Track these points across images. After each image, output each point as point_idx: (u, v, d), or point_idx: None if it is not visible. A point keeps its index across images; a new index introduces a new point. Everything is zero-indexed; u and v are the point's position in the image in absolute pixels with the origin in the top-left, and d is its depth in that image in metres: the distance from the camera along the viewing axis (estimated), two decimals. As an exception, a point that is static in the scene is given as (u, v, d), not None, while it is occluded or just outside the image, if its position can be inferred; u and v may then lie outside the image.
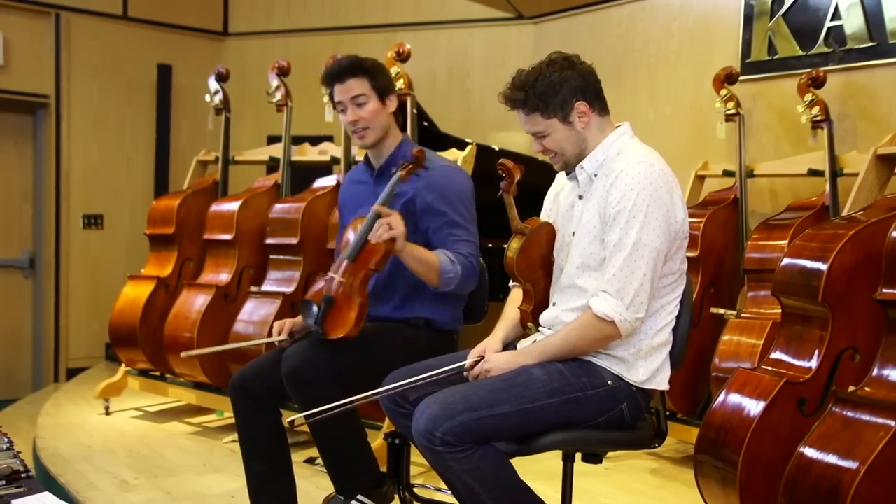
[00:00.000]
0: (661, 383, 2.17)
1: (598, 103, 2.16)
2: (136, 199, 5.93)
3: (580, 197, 2.18)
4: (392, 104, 2.65)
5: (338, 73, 2.61)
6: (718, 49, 4.33)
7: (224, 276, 4.17)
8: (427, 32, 5.65)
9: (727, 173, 3.96)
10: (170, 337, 4.09)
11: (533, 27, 5.31)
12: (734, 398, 2.37)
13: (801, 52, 4.00)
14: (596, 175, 2.14)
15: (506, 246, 2.23)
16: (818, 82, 3.63)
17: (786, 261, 2.45)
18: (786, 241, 3.26)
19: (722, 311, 3.53)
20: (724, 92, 3.92)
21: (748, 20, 4.20)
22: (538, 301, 2.25)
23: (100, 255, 5.82)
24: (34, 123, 5.78)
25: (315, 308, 2.49)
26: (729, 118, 3.92)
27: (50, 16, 5.60)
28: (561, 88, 2.09)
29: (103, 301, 5.28)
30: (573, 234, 2.17)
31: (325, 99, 4.09)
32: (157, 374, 4.39)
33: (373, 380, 2.29)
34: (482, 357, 2.16)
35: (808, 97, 3.62)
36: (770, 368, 2.41)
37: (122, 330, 4.36)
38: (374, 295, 2.60)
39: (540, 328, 2.24)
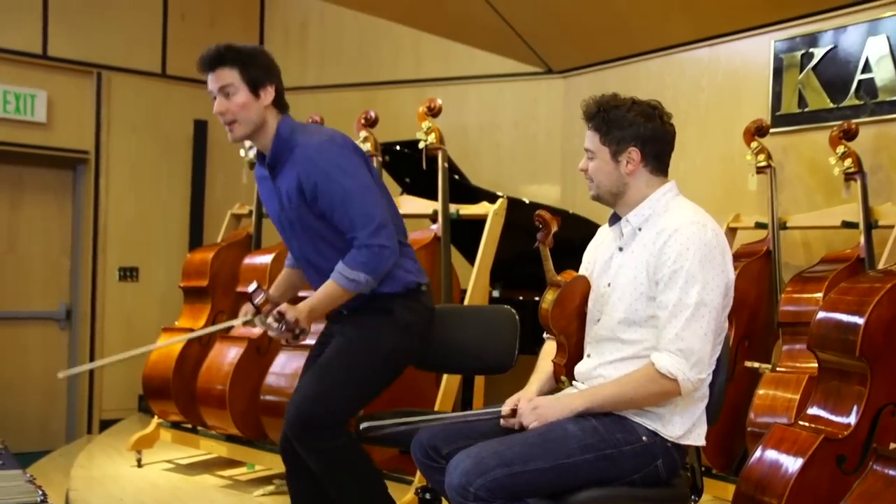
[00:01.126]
0: (698, 439, 2.15)
1: (655, 162, 2.17)
2: (171, 252, 6.02)
3: (620, 249, 2.19)
4: (268, 95, 2.51)
5: (208, 61, 2.51)
6: (748, 102, 4.35)
7: (256, 329, 4.19)
8: (457, 87, 5.73)
9: (759, 225, 3.94)
10: (202, 389, 4.11)
11: (563, 81, 5.37)
12: (771, 454, 2.32)
13: (831, 105, 4.00)
14: (640, 229, 2.15)
15: (539, 298, 2.24)
16: (850, 134, 3.63)
17: (821, 314, 2.43)
18: (821, 294, 3.22)
19: (756, 364, 3.48)
20: (754, 144, 3.92)
21: (777, 73, 4.21)
22: (572, 354, 2.24)
23: (135, 307, 5.90)
24: (74, 178, 5.92)
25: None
26: (760, 170, 3.91)
27: (92, 75, 5.76)
28: (628, 127, 2.13)
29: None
30: (608, 284, 2.17)
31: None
32: (190, 426, 4.41)
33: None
34: (515, 407, 2.14)
35: (841, 149, 3.60)
36: (808, 424, 2.37)
37: (156, 382, 4.39)
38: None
39: (574, 382, 2.23)
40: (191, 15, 6.12)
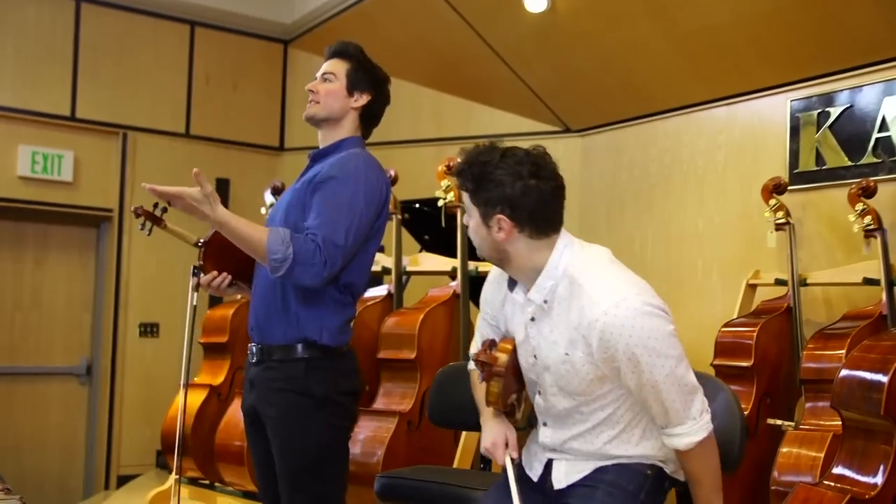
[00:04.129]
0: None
1: (531, 226, 1.88)
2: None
3: (532, 319, 1.97)
4: (359, 101, 2.48)
5: (330, 52, 2.54)
6: (765, 160, 4.37)
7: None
8: (476, 146, 5.79)
9: (779, 282, 3.93)
10: (220, 445, 4.11)
11: (580, 140, 5.43)
12: (796, 514, 2.29)
13: (849, 163, 4.02)
14: (546, 301, 1.92)
15: (486, 389, 2.08)
16: (869, 192, 3.63)
17: (844, 372, 2.41)
18: (843, 351, 3.19)
19: (779, 422, 3.44)
20: (773, 202, 3.93)
21: (794, 131, 4.24)
22: (519, 404, 2.17)
23: (154, 363, 5.92)
24: (98, 236, 6.01)
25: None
26: (779, 227, 3.91)
27: (118, 135, 5.89)
28: (494, 188, 1.86)
29: (156, 408, 5.34)
30: (534, 356, 1.98)
31: (378, 210, 4.20)
32: (207, 482, 4.39)
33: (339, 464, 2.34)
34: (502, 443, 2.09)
35: (860, 206, 3.61)
36: (833, 484, 2.34)
37: (174, 437, 4.38)
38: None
39: (548, 453, 2.08)
40: (215, 78, 6.27)
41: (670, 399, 1.87)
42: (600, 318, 1.82)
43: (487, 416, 2.16)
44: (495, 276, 2.10)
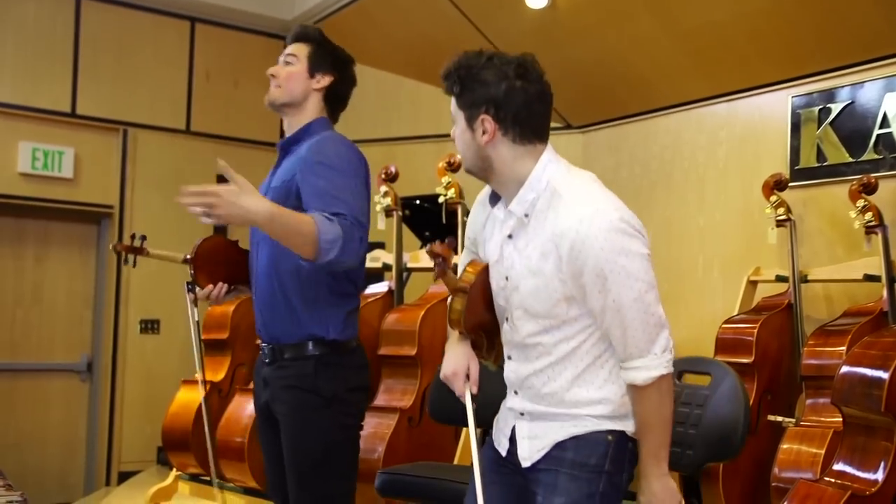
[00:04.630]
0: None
1: (517, 129, 1.84)
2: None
3: (510, 236, 1.90)
4: (320, 82, 2.46)
5: (292, 36, 2.52)
6: (766, 156, 4.37)
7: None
8: (477, 142, 5.79)
9: (780, 279, 3.93)
10: (221, 442, 4.11)
11: (581, 136, 5.42)
12: (797, 511, 2.29)
13: (850, 159, 4.02)
14: (527, 215, 1.86)
15: (448, 305, 1.96)
16: (870, 188, 3.63)
17: (845, 369, 2.41)
18: (844, 348, 3.19)
19: (780, 418, 3.44)
20: (773, 198, 3.93)
21: (795, 128, 4.24)
22: (491, 343, 2.02)
23: (155, 360, 5.92)
24: (98, 233, 6.01)
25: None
26: (780, 224, 3.91)
27: (118, 132, 5.88)
28: (479, 88, 1.83)
29: (157, 405, 5.34)
30: (506, 279, 1.90)
31: (378, 207, 4.21)
32: (208, 478, 4.39)
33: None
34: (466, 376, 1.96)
35: (861, 203, 3.61)
36: (833, 480, 2.34)
37: (175, 434, 4.39)
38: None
39: (512, 391, 1.98)
40: (215, 74, 6.26)
41: (633, 327, 1.78)
42: (573, 227, 1.77)
43: (452, 342, 2.04)
44: (482, 197, 2.05)
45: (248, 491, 4.13)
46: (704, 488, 3.53)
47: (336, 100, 2.53)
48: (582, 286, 1.79)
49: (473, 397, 1.98)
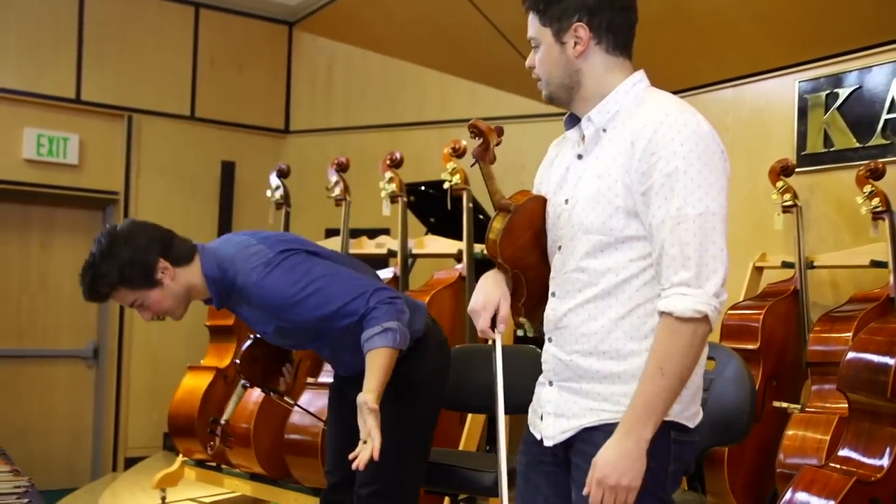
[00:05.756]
0: (697, 415, 1.73)
1: (610, 37, 1.72)
2: (198, 292, 6.06)
3: (579, 157, 1.76)
4: (165, 272, 2.33)
5: (92, 298, 2.38)
6: (773, 141, 4.35)
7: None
8: (482, 128, 5.77)
9: (786, 265, 3.92)
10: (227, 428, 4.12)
11: (586, 122, 5.39)
12: (802, 497, 2.30)
13: (857, 144, 3.99)
14: (605, 130, 1.72)
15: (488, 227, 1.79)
16: (877, 174, 3.61)
17: (851, 355, 2.41)
18: (850, 334, 3.18)
19: (785, 404, 3.44)
20: (780, 184, 3.91)
21: (802, 113, 4.21)
22: (532, 292, 1.81)
23: (161, 346, 5.93)
24: (104, 219, 6.01)
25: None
26: (786, 210, 3.90)
27: (123, 118, 5.88)
28: None
29: (163, 391, 5.36)
30: (566, 201, 1.75)
31: (383, 194, 4.20)
32: (214, 464, 4.41)
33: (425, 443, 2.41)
34: (493, 321, 1.78)
35: (868, 188, 3.58)
36: (839, 466, 2.34)
37: (181, 420, 4.40)
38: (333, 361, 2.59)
39: (547, 338, 1.80)
40: (219, 60, 6.25)
41: (692, 247, 1.58)
42: (658, 119, 1.63)
43: (488, 273, 1.86)
44: (556, 141, 1.92)
45: (253, 476, 4.14)
46: (709, 474, 3.53)
47: (174, 254, 2.42)
48: (648, 190, 1.61)
49: (500, 334, 1.79)
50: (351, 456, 2.06)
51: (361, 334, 2.26)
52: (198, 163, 6.18)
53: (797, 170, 4.01)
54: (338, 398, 2.62)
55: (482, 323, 1.78)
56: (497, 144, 1.79)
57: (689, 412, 1.71)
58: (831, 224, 4.11)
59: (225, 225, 6.20)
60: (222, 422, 3.05)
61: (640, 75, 1.77)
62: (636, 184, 1.63)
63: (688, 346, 1.59)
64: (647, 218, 1.63)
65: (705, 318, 1.58)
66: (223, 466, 4.35)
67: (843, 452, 2.39)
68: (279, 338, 2.49)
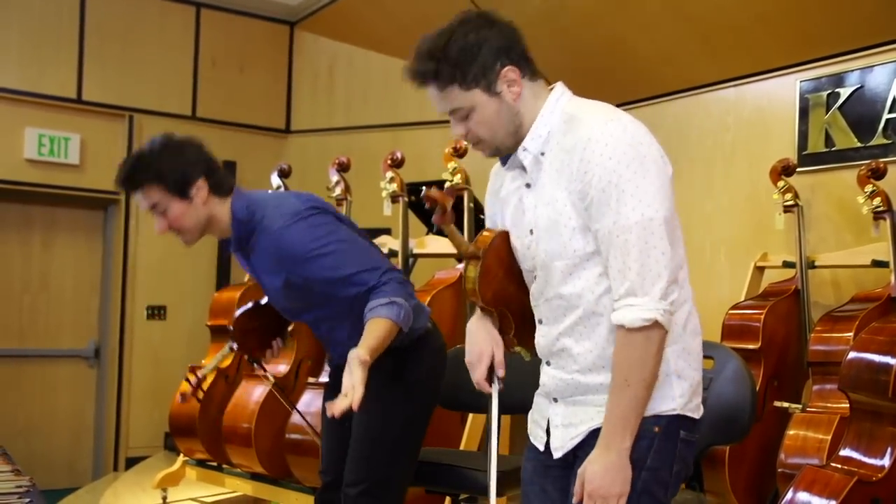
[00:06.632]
0: (698, 409, 1.74)
1: (528, 66, 1.73)
2: (199, 291, 6.07)
3: (528, 186, 1.76)
4: (199, 191, 2.33)
5: (124, 184, 2.40)
6: (774, 141, 4.34)
7: (282, 368, 4.22)
8: (483, 128, 5.77)
9: (787, 264, 3.92)
10: (228, 427, 4.12)
11: (587, 122, 5.39)
12: (803, 496, 2.29)
13: (859, 144, 3.99)
14: (543, 154, 1.72)
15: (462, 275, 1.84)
16: (878, 173, 3.61)
17: (852, 355, 2.41)
18: (851, 334, 3.18)
19: (786, 404, 3.44)
20: (781, 183, 3.91)
21: (804, 113, 4.21)
22: (518, 322, 1.85)
23: (162, 346, 5.94)
24: (104, 219, 6.02)
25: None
26: (787, 209, 3.89)
27: (124, 118, 5.88)
28: (480, 50, 1.68)
29: (164, 391, 5.37)
30: (531, 232, 1.76)
31: (384, 193, 4.20)
32: (215, 464, 4.41)
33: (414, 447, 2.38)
34: (491, 365, 1.81)
35: (869, 188, 3.58)
36: (840, 466, 2.34)
37: (182, 420, 4.41)
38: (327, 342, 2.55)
39: (543, 365, 1.82)
40: (221, 60, 6.25)
41: (632, 257, 1.60)
42: (585, 136, 1.64)
43: (473, 322, 1.87)
44: (494, 169, 1.93)
45: (254, 476, 4.14)
46: (710, 474, 3.53)
47: (219, 181, 2.41)
48: (589, 206, 1.64)
49: (500, 380, 1.83)
50: (328, 405, 2.04)
51: (367, 304, 2.24)
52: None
53: (798, 169, 4.01)
54: (332, 397, 2.60)
55: (478, 376, 1.82)
56: (453, 206, 1.82)
57: (692, 404, 1.73)
58: (832, 224, 4.11)
59: (226, 225, 6.19)
60: (199, 375, 3.01)
61: (560, 89, 1.78)
62: (579, 202, 1.66)
63: (645, 354, 1.62)
64: (595, 229, 1.66)
65: (656, 324, 1.61)
66: (224, 466, 4.36)
67: (845, 452, 2.39)
68: (284, 296, 2.42)
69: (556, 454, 1.78)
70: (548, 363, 1.80)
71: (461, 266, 4.02)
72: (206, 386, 3.03)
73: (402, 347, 2.38)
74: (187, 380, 3.04)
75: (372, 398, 2.31)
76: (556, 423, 1.78)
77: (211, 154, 2.45)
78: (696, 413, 1.74)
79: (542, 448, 1.83)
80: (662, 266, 1.61)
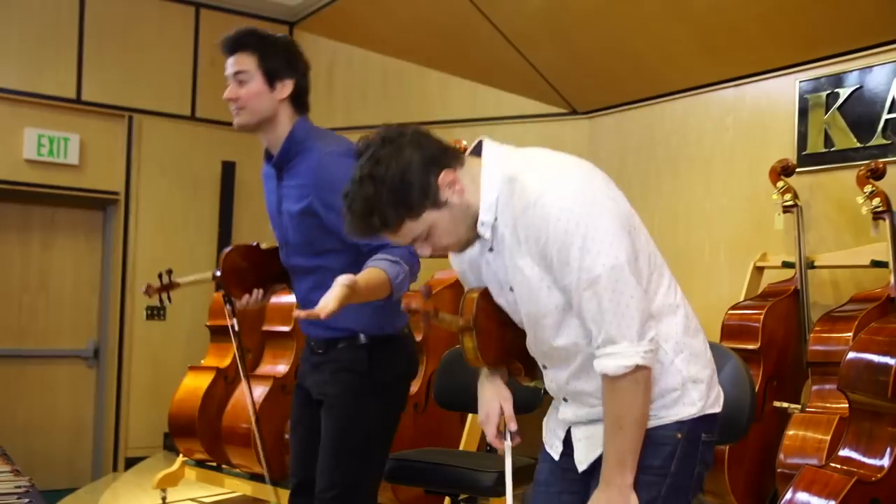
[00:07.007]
0: (718, 400, 1.79)
1: (451, 156, 1.73)
2: (198, 291, 6.06)
3: (491, 250, 1.77)
4: (284, 90, 2.35)
5: (229, 44, 2.40)
6: (773, 141, 4.35)
7: (282, 368, 4.22)
8: (483, 128, 5.75)
9: (786, 265, 3.92)
10: (227, 428, 4.13)
11: (588, 122, 5.40)
12: (802, 497, 2.29)
13: (858, 144, 3.99)
14: (496, 219, 1.72)
15: (459, 347, 1.85)
16: (878, 174, 3.61)
17: (851, 355, 2.41)
18: (850, 334, 3.18)
19: (786, 404, 3.44)
20: (780, 184, 3.91)
21: (803, 113, 4.21)
22: (526, 361, 1.89)
23: (161, 346, 5.94)
24: (104, 219, 6.02)
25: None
26: (787, 210, 3.90)
27: (124, 118, 5.88)
28: (411, 176, 1.67)
29: (163, 391, 5.36)
30: (511, 290, 1.76)
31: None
32: (214, 464, 4.41)
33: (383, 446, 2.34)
34: (502, 426, 1.86)
35: (868, 188, 3.59)
36: (839, 466, 2.34)
37: (181, 420, 4.41)
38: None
39: (563, 399, 1.86)
40: (220, 61, 6.08)
41: (603, 308, 1.62)
42: (528, 202, 1.64)
43: (482, 379, 1.92)
44: None
45: (253, 476, 4.14)
46: (710, 474, 3.51)
47: (303, 95, 2.43)
48: (550, 266, 1.66)
49: (512, 435, 1.88)
50: (295, 313, 1.97)
51: (372, 255, 2.21)
52: (198, 163, 6.18)
53: (798, 170, 4.01)
54: (299, 397, 2.57)
55: (489, 436, 1.88)
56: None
57: (711, 399, 1.78)
58: (832, 224, 4.11)
59: (225, 225, 6.20)
60: (174, 280, 2.87)
61: (486, 150, 1.76)
62: (542, 262, 1.67)
63: (633, 398, 1.66)
64: (562, 286, 1.67)
65: (638, 367, 1.64)
66: (224, 466, 4.36)
67: (844, 452, 2.39)
68: (296, 225, 2.37)
69: (581, 467, 1.82)
70: (565, 400, 1.84)
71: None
72: (172, 293, 2.90)
73: (376, 344, 2.37)
74: (160, 275, 2.90)
75: (341, 403, 2.35)
76: (578, 437, 1.84)
77: (309, 75, 2.45)
78: (717, 405, 1.79)
79: (556, 457, 1.89)
80: (634, 309, 1.64)
